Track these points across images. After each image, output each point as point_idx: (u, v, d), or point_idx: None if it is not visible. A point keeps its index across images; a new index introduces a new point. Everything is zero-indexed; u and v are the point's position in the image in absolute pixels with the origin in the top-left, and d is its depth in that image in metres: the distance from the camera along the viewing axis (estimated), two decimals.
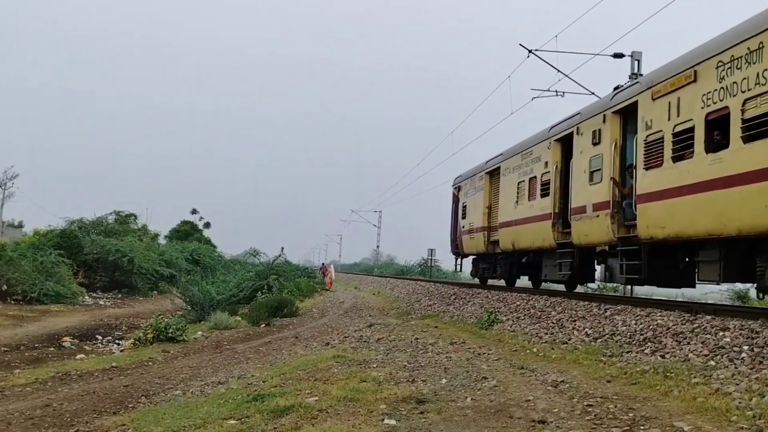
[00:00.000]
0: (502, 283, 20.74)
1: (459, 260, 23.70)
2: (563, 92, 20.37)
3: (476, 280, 23.40)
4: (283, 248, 30.83)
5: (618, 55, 18.90)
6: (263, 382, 8.22)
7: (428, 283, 30.25)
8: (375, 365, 8.49)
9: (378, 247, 77.05)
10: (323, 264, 49.00)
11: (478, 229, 19.90)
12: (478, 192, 20.28)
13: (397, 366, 8.31)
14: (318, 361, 9.34)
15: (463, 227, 21.56)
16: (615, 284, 23.22)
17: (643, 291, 19.59)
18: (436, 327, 13.35)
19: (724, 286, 18.87)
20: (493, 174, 18.98)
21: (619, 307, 10.51)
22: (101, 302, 28.19)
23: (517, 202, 16.25)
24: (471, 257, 22.32)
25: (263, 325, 17.50)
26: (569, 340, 9.50)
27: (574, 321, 10.61)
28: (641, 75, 18.43)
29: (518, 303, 14.12)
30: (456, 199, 23.12)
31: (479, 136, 30.01)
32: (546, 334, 10.40)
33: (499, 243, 17.64)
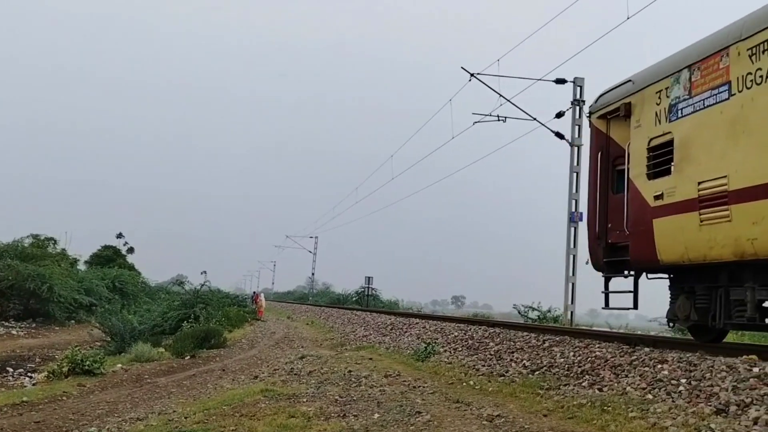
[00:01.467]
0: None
1: (614, 280, 10.58)
2: (505, 117, 20.49)
3: (677, 330, 13.64)
4: (205, 272, 29.66)
5: (560, 81, 19.30)
6: (185, 418, 7.90)
7: (365, 312, 29.89)
8: (305, 399, 8.21)
9: (313, 274, 75.80)
10: (255, 292, 47.86)
11: (741, 193, 7.56)
12: (739, 97, 7.74)
13: (328, 400, 8.05)
14: (245, 395, 9.00)
15: (656, 196, 8.85)
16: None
17: (584, 321, 19.51)
18: (371, 359, 13.02)
19: (664, 318, 19.01)
20: None
21: (557, 338, 10.41)
22: (13, 332, 27.02)
23: None
24: (662, 274, 9.81)
25: (188, 357, 17.03)
26: (507, 372, 9.30)
27: (513, 352, 10.45)
28: (583, 101, 19.06)
29: (456, 334, 13.91)
30: (606, 144, 10.45)
31: (420, 160, 30.00)
32: (483, 366, 10.19)
33: None
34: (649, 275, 9.75)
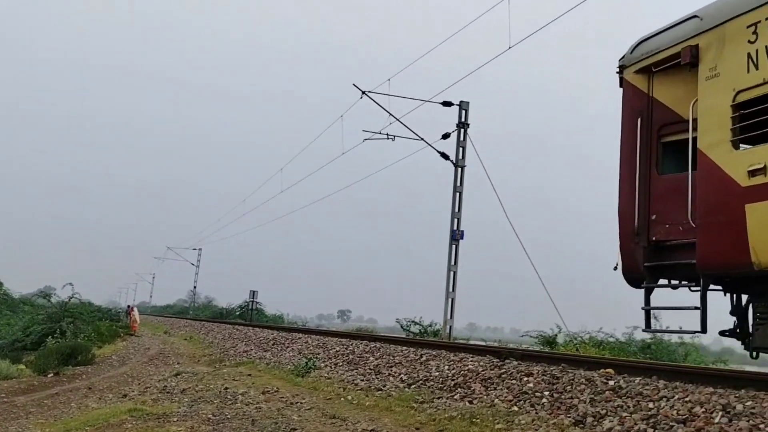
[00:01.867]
0: None
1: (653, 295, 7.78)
2: (394, 136, 20.99)
3: None
4: (71, 284, 27.89)
5: (447, 104, 20.02)
6: None
7: (247, 327, 29.25)
8: (176, 419, 7.91)
9: (195, 287, 73.30)
10: (129, 306, 45.59)
11: None
12: None
13: (200, 419, 7.80)
14: (110, 415, 8.62)
15: (753, 171, 6.31)
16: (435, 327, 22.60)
17: (463, 335, 20.05)
18: (249, 375, 12.77)
19: (535, 332, 19.84)
20: None
21: (434, 353, 10.65)
22: None
23: None
24: None
25: (51, 374, 16.09)
26: (384, 386, 9.39)
27: (391, 367, 10.58)
28: (468, 124, 19.84)
29: (338, 348, 13.91)
30: (647, 108, 7.80)
31: (310, 174, 29.99)
32: (362, 380, 10.23)
33: None
34: (693, 287, 7.23)
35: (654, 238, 7.40)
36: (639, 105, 7.77)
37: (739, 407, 5.39)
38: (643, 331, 7.95)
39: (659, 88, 7.65)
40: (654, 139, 7.62)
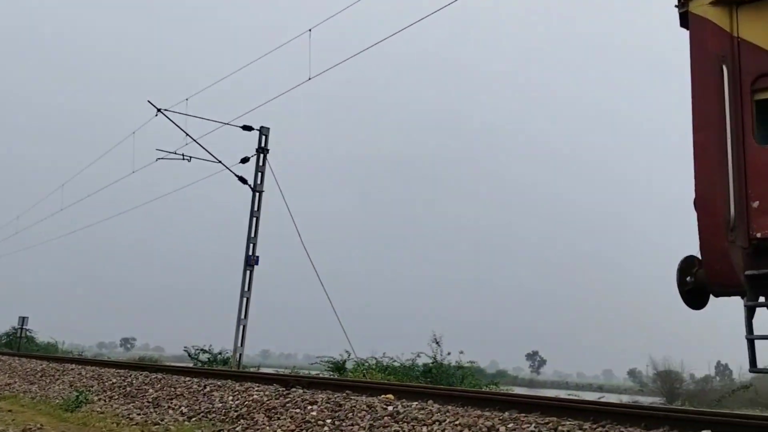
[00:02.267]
0: None
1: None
2: (190, 157, 20.30)
3: None
4: None
5: (247, 128, 19.82)
6: None
7: (13, 357, 26.24)
8: None
9: None
10: None
11: None
12: None
13: None
14: None
15: None
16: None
17: (256, 362, 19.34)
18: (9, 411, 11.59)
19: (325, 357, 19.93)
20: None
21: (220, 383, 10.30)
22: None
23: None
24: None
25: None
26: (162, 420, 8.90)
27: (172, 399, 10.06)
28: (267, 150, 19.71)
29: (114, 380, 12.97)
30: (733, 55, 5.50)
31: (96, 192, 27.84)
32: (139, 414, 9.60)
33: None
34: None
35: (758, 235, 5.27)
36: (718, 49, 5.63)
37: (502, 429, 5.85)
38: (750, 371, 5.41)
39: (751, 24, 5.55)
40: (746, 95, 5.50)
